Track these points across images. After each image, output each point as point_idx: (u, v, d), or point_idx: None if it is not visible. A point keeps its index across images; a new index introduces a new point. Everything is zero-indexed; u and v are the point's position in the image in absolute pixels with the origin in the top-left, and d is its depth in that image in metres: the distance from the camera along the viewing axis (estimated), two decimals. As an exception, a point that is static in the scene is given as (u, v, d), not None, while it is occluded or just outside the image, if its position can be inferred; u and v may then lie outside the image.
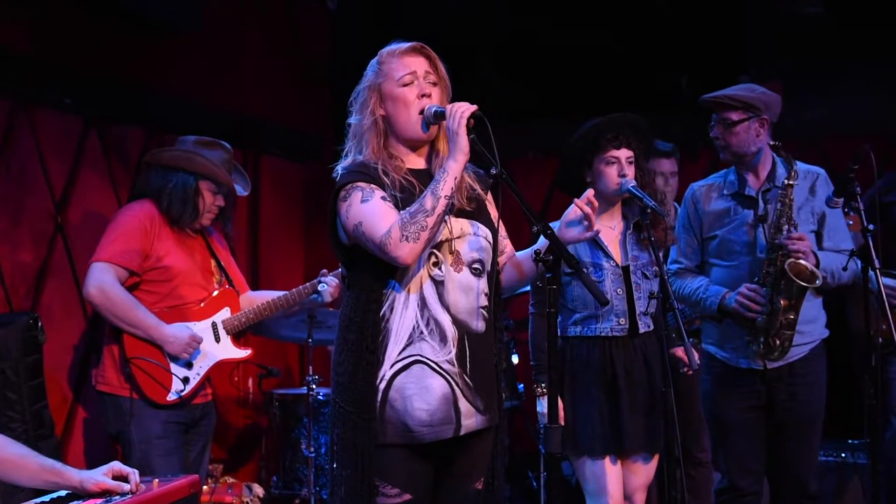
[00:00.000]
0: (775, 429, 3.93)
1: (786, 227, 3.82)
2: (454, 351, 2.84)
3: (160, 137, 5.10)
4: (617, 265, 3.68)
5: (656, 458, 3.73)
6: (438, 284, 2.85)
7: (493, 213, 3.01)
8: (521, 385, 5.59)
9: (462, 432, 2.85)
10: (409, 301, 2.84)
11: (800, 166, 4.00)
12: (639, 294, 3.68)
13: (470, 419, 2.86)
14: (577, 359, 3.67)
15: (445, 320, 2.85)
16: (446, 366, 2.84)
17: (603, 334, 3.65)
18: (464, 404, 2.85)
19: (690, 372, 3.70)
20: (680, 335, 3.40)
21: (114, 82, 4.86)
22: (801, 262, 3.76)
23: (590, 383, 3.64)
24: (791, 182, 3.84)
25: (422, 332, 2.83)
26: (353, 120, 2.99)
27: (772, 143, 3.87)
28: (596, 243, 3.69)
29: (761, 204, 3.94)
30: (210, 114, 5.50)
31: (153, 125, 5.14)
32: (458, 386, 2.84)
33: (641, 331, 3.67)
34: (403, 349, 2.83)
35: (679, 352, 3.74)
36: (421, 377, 2.82)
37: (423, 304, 2.84)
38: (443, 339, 2.84)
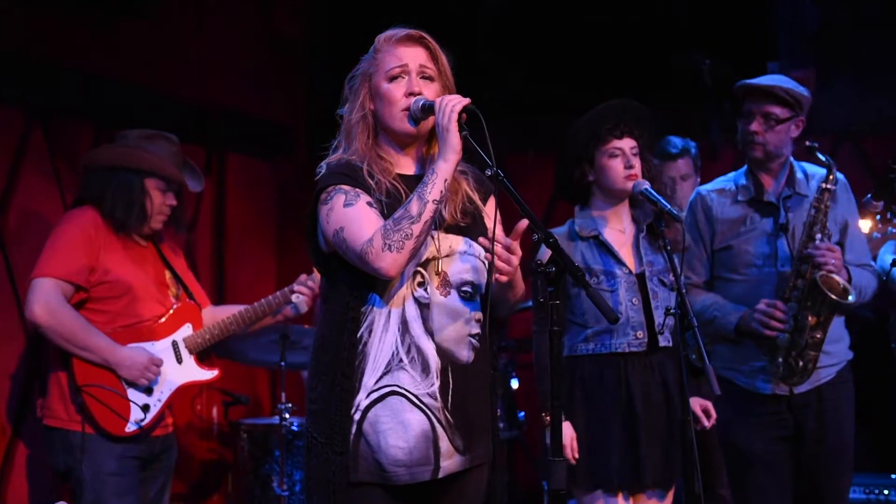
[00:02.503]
0: (804, 463, 3.95)
1: (819, 236, 3.84)
2: (437, 383, 2.84)
3: (112, 132, 5.12)
4: (630, 272, 3.71)
5: (671, 495, 3.74)
6: (423, 307, 2.85)
7: (489, 220, 2.99)
8: (522, 413, 5.60)
9: (441, 475, 2.85)
10: (389, 324, 2.84)
11: (813, 170, 4.04)
12: (656, 303, 3.69)
13: (449, 460, 2.86)
14: (589, 380, 3.68)
15: (429, 348, 2.84)
16: (427, 399, 2.83)
17: (619, 350, 3.67)
18: (444, 443, 2.84)
19: (709, 425, 3.72)
20: (700, 356, 3.42)
21: (59, 70, 4.87)
22: (834, 275, 3.79)
23: (605, 408, 3.66)
24: (829, 186, 3.86)
25: (401, 360, 2.83)
26: (343, 111, 2.99)
27: (809, 143, 3.88)
28: (606, 248, 3.71)
29: (782, 212, 3.97)
30: (169, 105, 5.51)
31: (104, 119, 5.14)
32: (441, 423, 2.84)
33: (661, 344, 3.69)
34: (380, 378, 2.83)
35: (696, 407, 3.77)
36: (398, 411, 2.82)
37: (404, 328, 2.84)
38: (425, 369, 2.84)
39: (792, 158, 4.05)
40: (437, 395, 2.84)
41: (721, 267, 4.05)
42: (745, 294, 3.96)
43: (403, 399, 2.83)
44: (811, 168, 4.07)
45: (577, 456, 3.63)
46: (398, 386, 2.83)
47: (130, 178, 4.05)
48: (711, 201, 4.06)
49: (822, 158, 3.87)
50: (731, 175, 4.15)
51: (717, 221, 4.04)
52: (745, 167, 4.10)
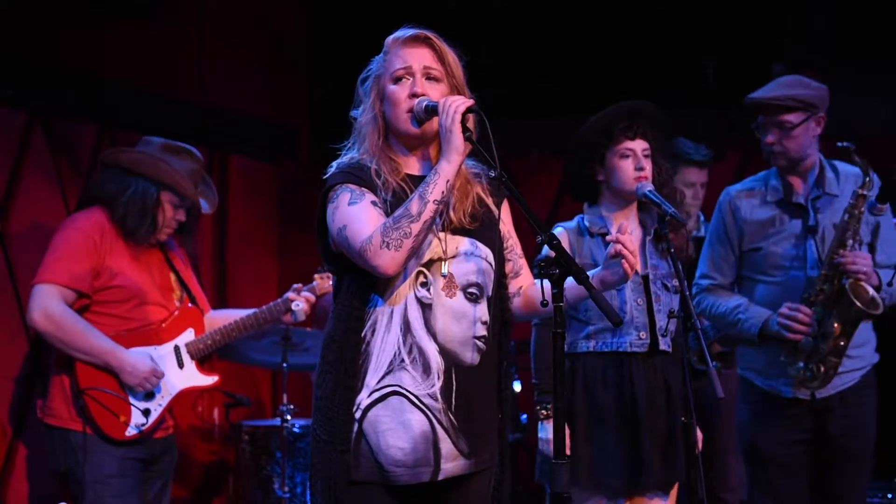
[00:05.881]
0: (824, 466, 3.97)
1: (850, 242, 3.84)
2: (438, 384, 2.86)
3: (114, 133, 5.14)
4: (636, 273, 3.72)
5: (673, 497, 3.75)
6: (425, 308, 2.88)
7: (504, 226, 3.02)
8: (525, 416, 5.61)
9: (440, 476, 2.87)
10: (391, 323, 2.87)
11: (845, 168, 4.02)
12: (658, 306, 3.71)
13: (451, 463, 2.87)
14: (591, 379, 3.70)
15: (431, 349, 2.87)
16: (428, 400, 2.85)
17: (621, 349, 3.68)
18: (445, 445, 2.86)
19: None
20: (703, 358, 3.43)
21: (61, 71, 4.89)
22: (863, 284, 3.79)
23: (606, 407, 3.67)
24: (864, 192, 3.86)
25: (402, 361, 2.86)
26: (355, 113, 3.02)
27: (843, 144, 3.87)
28: (612, 248, 3.73)
29: (811, 213, 3.97)
30: (170, 106, 5.53)
31: (106, 120, 5.17)
32: (441, 424, 2.86)
33: (661, 348, 3.70)
34: (382, 377, 2.86)
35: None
36: (399, 411, 2.84)
37: (406, 328, 2.87)
38: (426, 369, 2.86)
39: (821, 157, 4.04)
40: (439, 396, 2.86)
41: (749, 268, 4.06)
42: (773, 296, 3.97)
43: (404, 399, 2.85)
44: (843, 166, 4.06)
45: (568, 453, 3.63)
46: (399, 386, 2.85)
47: (147, 187, 4.06)
48: (740, 202, 4.06)
49: (859, 161, 3.87)
50: (762, 175, 4.13)
51: (745, 222, 4.04)
52: (774, 168, 4.09)
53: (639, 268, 3.71)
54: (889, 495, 4.98)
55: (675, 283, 3.71)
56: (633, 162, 3.70)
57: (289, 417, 4.97)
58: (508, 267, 3.06)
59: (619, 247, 2.92)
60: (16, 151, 4.75)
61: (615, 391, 3.67)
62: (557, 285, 2.76)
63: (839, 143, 3.87)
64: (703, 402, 4.08)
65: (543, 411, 3.72)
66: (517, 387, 5.67)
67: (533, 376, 3.80)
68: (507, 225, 3.07)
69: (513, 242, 3.09)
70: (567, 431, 3.63)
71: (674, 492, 3.75)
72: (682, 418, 3.49)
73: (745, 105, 4.04)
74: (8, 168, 4.70)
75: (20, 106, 4.76)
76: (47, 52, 4.80)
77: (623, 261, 2.92)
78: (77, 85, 5.00)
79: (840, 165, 4.07)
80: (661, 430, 3.66)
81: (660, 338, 3.69)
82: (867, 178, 3.85)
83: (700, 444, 3.72)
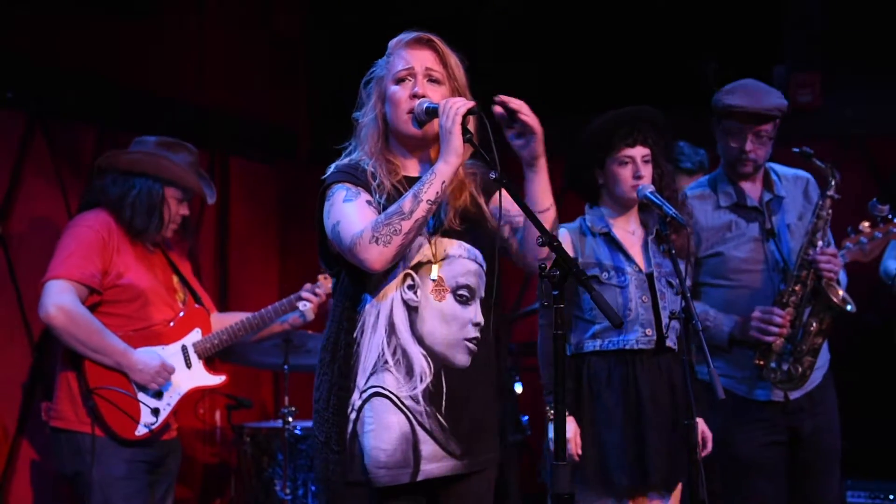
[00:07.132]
0: (799, 466, 3.99)
1: (820, 243, 3.87)
2: (421, 387, 2.87)
3: (114, 135, 5.14)
4: (640, 270, 3.74)
5: (676, 498, 3.75)
6: (411, 311, 2.89)
7: (502, 205, 2.96)
8: (526, 417, 5.61)
9: (420, 478, 2.88)
10: (377, 324, 2.89)
11: (783, 170, 4.06)
12: (664, 303, 3.72)
13: (434, 464, 2.89)
14: (596, 378, 3.71)
15: (415, 352, 2.88)
16: (409, 402, 2.87)
17: (627, 347, 3.69)
18: (427, 447, 2.88)
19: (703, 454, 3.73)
20: (704, 359, 3.42)
21: (61, 73, 4.90)
22: (834, 285, 3.83)
23: (612, 406, 3.68)
24: (834, 195, 3.88)
25: (386, 362, 2.88)
26: (357, 115, 3.03)
27: (801, 150, 3.89)
28: (616, 245, 3.75)
29: (766, 216, 4.00)
30: (170, 107, 5.54)
31: (106, 121, 5.17)
32: (424, 426, 2.87)
33: (668, 344, 3.71)
34: (368, 378, 2.89)
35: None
36: (381, 412, 2.87)
37: (391, 330, 2.89)
38: (409, 371, 2.88)
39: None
40: (421, 399, 2.88)
41: (707, 274, 4.05)
42: (735, 300, 3.98)
43: (386, 400, 2.88)
44: (781, 168, 4.11)
45: (580, 452, 3.65)
46: (382, 387, 2.88)
47: (151, 185, 4.07)
48: (693, 208, 4.04)
49: (821, 165, 3.88)
50: (705, 180, 4.16)
51: (702, 228, 4.04)
52: (719, 171, 4.11)
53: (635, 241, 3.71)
54: (891, 496, 4.99)
55: (677, 283, 3.71)
56: (632, 169, 3.72)
57: (290, 419, 4.98)
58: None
59: (501, 102, 2.84)
60: (16, 153, 4.75)
61: (620, 390, 3.68)
62: (558, 287, 2.76)
63: (795, 150, 3.88)
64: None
65: (552, 411, 3.72)
66: (518, 388, 5.66)
67: (541, 376, 3.80)
68: (506, 202, 2.97)
69: (518, 210, 2.99)
70: (577, 430, 3.65)
71: (677, 492, 3.76)
72: (686, 420, 3.49)
73: (720, 108, 4.00)
74: (9, 170, 4.71)
75: (20, 108, 4.76)
76: (47, 53, 4.81)
77: (516, 111, 2.85)
78: (77, 86, 5.00)
79: (778, 168, 4.12)
80: (665, 429, 3.67)
81: (665, 335, 3.70)
82: (833, 181, 3.88)
83: (710, 445, 3.73)
